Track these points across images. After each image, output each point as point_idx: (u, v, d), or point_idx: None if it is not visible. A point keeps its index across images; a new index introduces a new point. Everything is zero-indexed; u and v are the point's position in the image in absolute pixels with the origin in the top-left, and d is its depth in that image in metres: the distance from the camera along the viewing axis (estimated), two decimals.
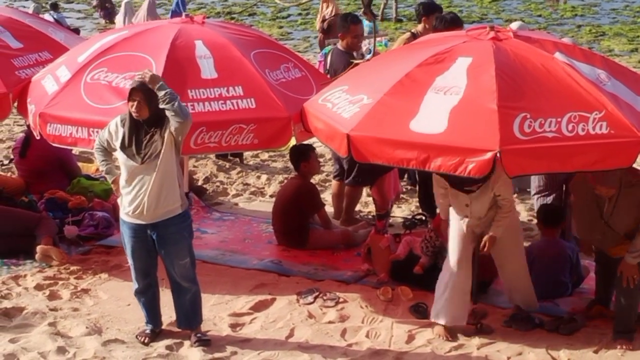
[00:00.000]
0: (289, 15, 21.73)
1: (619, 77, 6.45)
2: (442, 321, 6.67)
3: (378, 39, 12.03)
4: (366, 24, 17.95)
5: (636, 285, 6.32)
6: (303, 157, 8.54)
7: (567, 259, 7.23)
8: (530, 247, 7.57)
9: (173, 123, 6.00)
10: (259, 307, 7.26)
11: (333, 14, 16.73)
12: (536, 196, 8.24)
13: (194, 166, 11.21)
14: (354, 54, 8.83)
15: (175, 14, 16.89)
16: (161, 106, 6.02)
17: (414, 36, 9.07)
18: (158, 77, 6.15)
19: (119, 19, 17.29)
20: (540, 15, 24.02)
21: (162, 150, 6.05)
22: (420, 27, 9.39)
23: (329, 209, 9.45)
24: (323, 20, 16.97)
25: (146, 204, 6.12)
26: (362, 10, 10.03)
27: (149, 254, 6.38)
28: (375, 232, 8.11)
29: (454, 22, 8.52)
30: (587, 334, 6.66)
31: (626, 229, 6.31)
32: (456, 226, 6.70)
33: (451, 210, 6.71)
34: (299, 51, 18.70)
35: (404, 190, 10.28)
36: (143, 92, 6.04)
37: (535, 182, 8.28)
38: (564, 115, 5.89)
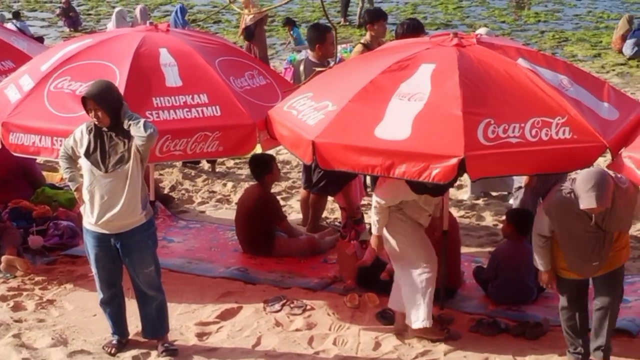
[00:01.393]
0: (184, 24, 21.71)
1: (581, 83, 6.51)
2: (428, 323, 6.66)
3: (343, 45, 12.06)
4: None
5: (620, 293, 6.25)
6: (267, 169, 8.54)
7: (532, 263, 7.24)
8: (495, 251, 7.61)
9: (138, 142, 5.95)
10: (225, 315, 7.24)
11: (253, 21, 16.78)
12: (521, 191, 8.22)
13: (160, 174, 11.15)
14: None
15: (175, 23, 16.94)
16: (125, 127, 5.97)
17: (366, 46, 9.09)
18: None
19: (110, 27, 17.25)
20: (504, 22, 24.15)
21: (127, 159, 6.01)
22: (367, 35, 9.41)
23: (298, 215, 9.45)
24: (246, 28, 16.98)
25: (110, 213, 6.08)
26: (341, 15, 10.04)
27: (114, 263, 6.34)
28: (354, 238, 8.11)
29: (416, 29, 8.55)
30: (553, 338, 6.69)
31: (623, 225, 5.99)
32: (411, 228, 6.70)
33: (400, 217, 6.68)
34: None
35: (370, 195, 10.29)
36: (96, 100, 5.99)
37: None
38: (528, 120, 5.93)
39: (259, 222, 8.40)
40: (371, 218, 6.71)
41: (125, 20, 16.84)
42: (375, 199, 6.59)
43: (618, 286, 6.15)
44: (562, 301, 6.20)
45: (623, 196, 5.73)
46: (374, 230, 6.71)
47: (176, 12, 17.29)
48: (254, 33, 16.83)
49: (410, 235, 6.70)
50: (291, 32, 18.43)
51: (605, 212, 5.67)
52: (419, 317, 6.62)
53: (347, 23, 23.83)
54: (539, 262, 6.09)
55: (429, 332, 6.71)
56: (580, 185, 5.59)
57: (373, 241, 6.77)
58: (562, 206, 5.78)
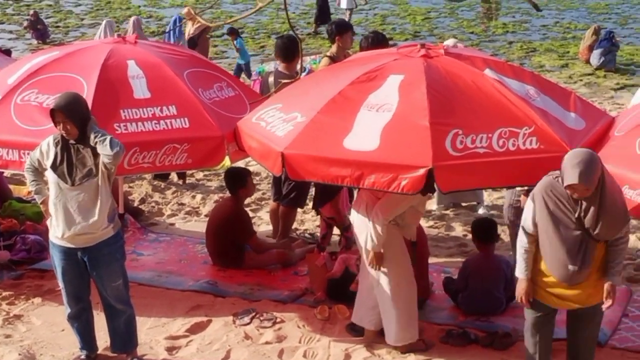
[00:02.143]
0: (222, 35, 21.68)
1: (548, 93, 6.55)
2: (414, 338, 6.69)
3: (312, 56, 12.06)
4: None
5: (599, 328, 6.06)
6: (241, 183, 8.52)
7: (501, 274, 7.29)
8: (466, 261, 7.63)
9: (104, 159, 5.91)
10: (195, 329, 7.20)
11: (197, 31, 16.81)
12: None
13: (130, 187, 11.10)
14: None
15: (171, 33, 16.89)
16: (92, 144, 5.93)
17: (332, 58, 9.11)
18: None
19: (98, 37, 17.23)
20: (472, 32, 24.30)
21: (95, 173, 5.97)
22: (334, 47, 9.44)
23: (268, 227, 9.43)
24: (190, 39, 17.03)
25: (76, 226, 6.03)
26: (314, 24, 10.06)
27: (81, 277, 6.28)
28: (345, 246, 8.05)
29: (379, 41, 8.57)
30: (522, 348, 6.67)
31: (615, 227, 5.50)
32: (397, 240, 6.67)
33: (392, 231, 6.60)
34: (233, 70, 18.68)
35: None
36: (64, 111, 5.93)
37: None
38: (495, 131, 5.95)
39: (229, 235, 8.38)
40: (368, 234, 6.50)
41: (112, 30, 16.83)
42: (377, 216, 6.43)
43: (595, 322, 5.90)
44: (527, 323, 6.01)
45: (610, 194, 5.42)
46: (373, 247, 6.51)
47: (174, 22, 17.26)
48: (197, 43, 16.91)
49: (399, 249, 6.67)
50: (234, 42, 18.44)
51: (590, 208, 5.39)
52: (408, 333, 6.67)
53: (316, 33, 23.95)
54: (519, 268, 5.83)
55: (414, 346, 6.74)
56: (567, 160, 5.37)
57: (373, 258, 6.55)
58: (547, 189, 5.54)
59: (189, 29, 17.03)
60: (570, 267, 5.49)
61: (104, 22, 17.19)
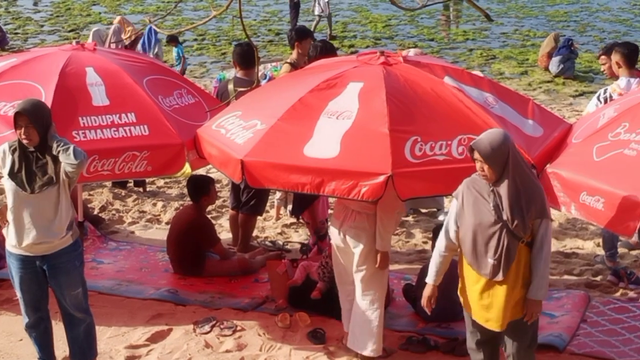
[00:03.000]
0: (184, 41, 21.61)
1: (506, 100, 6.60)
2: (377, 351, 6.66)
3: (273, 63, 12.06)
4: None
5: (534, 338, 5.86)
6: (204, 191, 8.50)
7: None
8: (425, 267, 7.60)
9: (67, 168, 5.85)
10: (155, 338, 7.16)
11: (129, 40, 16.75)
12: None
13: (90, 194, 11.02)
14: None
15: (146, 45, 16.80)
16: (54, 153, 5.87)
17: (292, 65, 9.12)
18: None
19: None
20: (432, 40, 24.42)
21: (55, 181, 5.90)
22: (294, 53, 9.45)
23: (228, 234, 9.40)
24: (124, 47, 16.97)
25: (34, 235, 5.96)
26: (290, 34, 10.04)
27: (39, 286, 6.21)
28: (317, 252, 8.09)
29: (328, 50, 8.59)
30: None
31: (529, 216, 5.34)
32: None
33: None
34: (195, 77, 18.65)
35: None
36: (29, 116, 5.84)
37: None
38: (454, 138, 5.99)
39: (190, 243, 8.35)
40: (378, 236, 6.41)
41: (102, 39, 16.77)
42: (387, 213, 6.38)
43: (526, 333, 5.70)
44: (468, 341, 5.97)
45: (523, 182, 5.32)
46: (383, 247, 6.49)
47: (150, 29, 17.17)
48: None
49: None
50: (176, 50, 18.45)
51: (501, 195, 5.32)
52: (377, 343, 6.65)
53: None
54: (429, 273, 5.83)
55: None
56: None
57: (383, 259, 6.52)
58: (468, 183, 5.54)
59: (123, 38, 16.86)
60: (490, 260, 5.43)
61: (92, 32, 17.10)
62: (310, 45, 8.98)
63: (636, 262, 8.84)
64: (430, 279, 5.84)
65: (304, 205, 8.70)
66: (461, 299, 5.83)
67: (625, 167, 5.66)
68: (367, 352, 6.63)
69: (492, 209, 5.37)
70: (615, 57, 8.37)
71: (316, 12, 24.72)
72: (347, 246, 6.61)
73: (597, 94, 8.38)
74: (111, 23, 27.29)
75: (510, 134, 5.91)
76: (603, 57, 8.91)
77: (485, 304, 5.57)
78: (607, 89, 8.28)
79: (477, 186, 5.49)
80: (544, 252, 5.43)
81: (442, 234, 5.77)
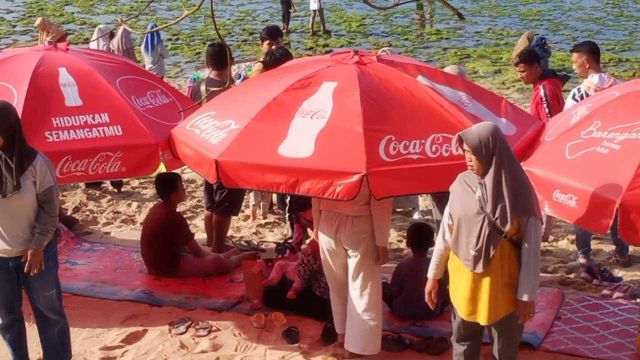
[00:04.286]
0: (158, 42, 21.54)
1: (480, 99, 6.63)
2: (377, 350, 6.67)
3: (247, 63, 12.05)
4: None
5: (519, 335, 5.88)
6: (172, 187, 8.45)
7: None
8: (399, 265, 7.66)
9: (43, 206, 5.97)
10: (130, 339, 7.13)
11: (53, 41, 16.66)
12: None
13: (63, 195, 10.95)
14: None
15: (148, 43, 16.72)
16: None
17: (266, 64, 9.12)
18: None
19: (92, 45, 17.02)
20: (407, 39, 24.48)
21: (20, 186, 5.84)
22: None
23: (203, 235, 9.38)
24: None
25: (7, 236, 5.92)
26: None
27: (13, 287, 6.15)
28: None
29: (284, 56, 8.60)
30: None
31: (512, 211, 5.30)
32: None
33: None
34: (169, 77, 18.60)
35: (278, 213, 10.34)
36: None
37: None
38: (428, 136, 6.00)
39: (164, 242, 8.31)
40: (379, 233, 6.43)
41: (104, 36, 16.74)
42: (384, 210, 6.44)
43: (514, 330, 5.72)
44: (454, 333, 5.97)
45: (511, 178, 5.31)
46: (384, 243, 6.53)
47: (152, 27, 17.09)
48: None
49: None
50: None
51: (487, 188, 5.33)
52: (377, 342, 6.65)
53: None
54: (430, 268, 5.86)
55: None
56: None
57: (384, 254, 6.55)
58: (460, 177, 5.58)
59: (44, 39, 16.76)
60: (471, 251, 5.43)
61: (97, 29, 17.04)
62: (267, 52, 9.00)
63: (609, 259, 8.90)
64: (430, 273, 5.88)
65: (308, 202, 8.59)
66: (450, 292, 5.83)
67: (597, 164, 5.70)
68: (368, 352, 6.62)
69: (477, 200, 5.40)
70: (583, 56, 8.48)
71: (315, 7, 25.00)
72: (343, 251, 6.59)
73: (571, 94, 8.45)
74: (84, 23, 27.26)
75: None
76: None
77: (470, 298, 5.57)
78: (580, 88, 8.35)
79: (468, 179, 5.53)
80: (531, 251, 5.40)
81: (440, 231, 5.82)
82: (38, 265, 5.94)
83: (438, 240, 5.86)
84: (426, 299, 5.91)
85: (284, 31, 24.72)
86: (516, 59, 9.37)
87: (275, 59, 8.51)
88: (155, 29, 16.90)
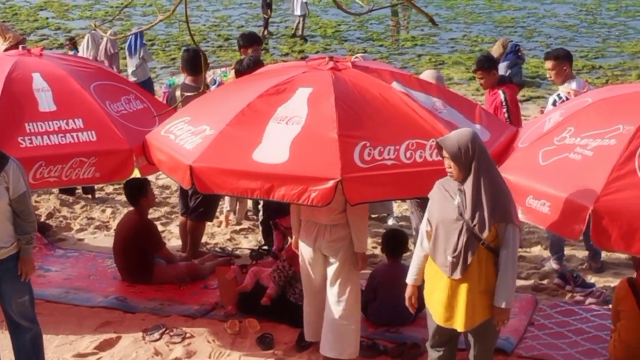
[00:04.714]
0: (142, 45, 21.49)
1: (454, 105, 6.66)
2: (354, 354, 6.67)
3: (223, 69, 12.03)
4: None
5: (494, 341, 5.91)
6: (142, 192, 8.39)
7: None
8: (374, 272, 7.66)
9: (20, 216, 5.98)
10: (104, 346, 7.09)
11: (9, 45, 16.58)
12: None
13: (36, 201, 10.88)
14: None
15: (132, 47, 16.67)
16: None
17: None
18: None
19: (82, 52, 16.98)
20: (382, 45, 24.55)
21: None
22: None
23: (177, 241, 9.35)
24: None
25: None
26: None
27: None
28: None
29: (255, 64, 8.59)
30: None
31: (491, 218, 5.33)
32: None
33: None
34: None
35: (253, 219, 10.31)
36: None
37: None
38: (402, 142, 6.02)
39: (136, 249, 8.26)
40: (357, 239, 6.49)
41: (96, 43, 16.74)
42: (362, 217, 6.51)
43: (490, 337, 5.76)
44: (429, 339, 5.99)
45: (490, 185, 5.34)
46: (363, 248, 6.62)
47: (135, 35, 17.02)
48: None
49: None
50: (72, 53, 18.34)
51: (466, 194, 5.35)
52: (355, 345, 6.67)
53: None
54: (409, 273, 5.90)
55: None
56: None
57: (364, 259, 6.64)
58: (440, 183, 5.61)
59: (2, 44, 16.67)
60: (449, 257, 5.45)
61: (87, 35, 17.01)
62: (238, 60, 9.00)
63: (582, 265, 8.95)
64: (409, 279, 5.92)
65: (284, 210, 8.54)
66: (425, 298, 5.84)
67: (570, 171, 5.72)
68: (345, 356, 6.62)
69: (455, 206, 5.42)
70: (564, 63, 8.53)
71: (299, 13, 25.10)
72: (323, 259, 6.60)
73: (551, 101, 8.53)
74: (58, 28, 27.12)
75: None
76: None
77: (447, 304, 5.58)
78: (560, 94, 8.41)
79: (446, 185, 5.55)
80: (509, 258, 5.42)
81: (419, 236, 5.83)
82: (32, 272, 6.09)
83: (417, 246, 5.88)
84: (407, 304, 5.95)
85: (266, 35, 25.03)
86: (474, 66, 9.45)
87: (248, 68, 8.49)
88: (129, 33, 16.88)
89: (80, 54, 16.86)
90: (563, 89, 8.45)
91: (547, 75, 8.93)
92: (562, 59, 8.63)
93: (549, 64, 8.70)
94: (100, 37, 16.46)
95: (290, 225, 8.43)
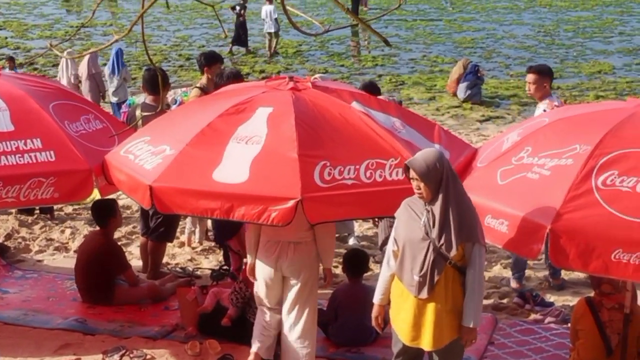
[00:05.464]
0: (55, 65, 21.40)
1: (413, 125, 6.70)
2: None
3: (184, 88, 12.03)
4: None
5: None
6: (110, 213, 8.34)
7: (370, 304, 7.32)
8: (335, 292, 7.67)
9: None
10: None
11: None
12: None
13: None
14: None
15: (114, 68, 16.60)
16: None
17: (202, 90, 9.13)
18: None
19: (60, 73, 16.93)
20: (343, 65, 24.64)
21: None
22: (204, 78, 9.47)
23: (138, 262, 9.29)
24: None
25: None
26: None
27: None
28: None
29: (234, 76, 8.62)
30: None
31: (458, 237, 5.43)
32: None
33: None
34: (104, 102, 18.38)
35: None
36: None
37: None
38: (362, 162, 6.05)
39: (99, 270, 8.19)
40: (327, 256, 6.64)
41: (96, 62, 16.79)
42: (330, 234, 6.60)
43: (454, 356, 5.80)
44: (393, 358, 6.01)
45: (457, 204, 5.44)
46: (330, 264, 6.72)
47: (116, 54, 16.94)
48: None
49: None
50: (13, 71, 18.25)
51: (433, 214, 5.43)
52: None
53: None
54: (376, 292, 5.93)
55: None
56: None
57: (331, 276, 6.77)
58: (406, 202, 5.66)
59: None
60: (415, 276, 5.49)
61: (62, 60, 16.96)
62: (217, 73, 9.00)
63: (542, 285, 9.01)
64: (376, 299, 5.95)
65: (232, 232, 8.53)
66: (391, 317, 5.86)
67: (528, 190, 5.77)
68: None
69: (422, 226, 5.47)
70: (545, 80, 8.62)
71: (272, 30, 25.50)
72: (281, 280, 6.60)
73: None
74: (17, 48, 26.92)
75: None
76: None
77: (413, 323, 5.62)
78: (546, 109, 8.42)
79: (413, 204, 5.60)
80: (475, 277, 5.49)
81: (386, 256, 5.86)
82: None
83: (383, 266, 5.91)
84: (373, 324, 5.97)
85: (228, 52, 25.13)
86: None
87: (228, 79, 8.49)
88: (86, 52, 16.86)
89: (58, 76, 16.94)
90: (543, 106, 8.52)
91: (527, 89, 8.96)
92: (545, 75, 8.73)
93: (530, 78, 8.75)
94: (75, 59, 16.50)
95: (237, 248, 8.46)
